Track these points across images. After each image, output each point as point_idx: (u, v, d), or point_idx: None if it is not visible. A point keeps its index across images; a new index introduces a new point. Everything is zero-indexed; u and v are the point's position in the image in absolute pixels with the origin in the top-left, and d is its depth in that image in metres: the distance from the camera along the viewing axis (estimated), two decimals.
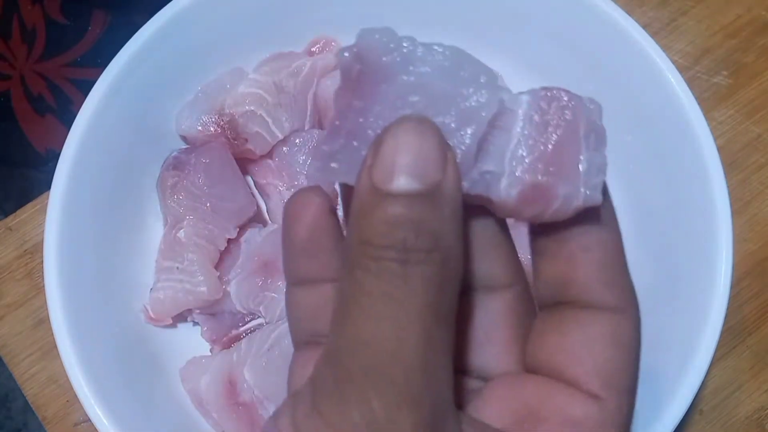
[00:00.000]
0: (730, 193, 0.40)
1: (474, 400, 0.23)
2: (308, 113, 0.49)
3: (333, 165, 0.22)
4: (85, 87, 0.44)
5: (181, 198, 0.45)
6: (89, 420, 0.38)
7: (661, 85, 0.43)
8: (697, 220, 0.41)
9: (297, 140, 0.48)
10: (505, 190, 0.21)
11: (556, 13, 0.46)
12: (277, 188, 0.48)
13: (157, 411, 0.42)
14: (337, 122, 0.22)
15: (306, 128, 0.49)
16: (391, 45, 0.21)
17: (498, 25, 0.48)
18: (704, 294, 0.39)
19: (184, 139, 0.48)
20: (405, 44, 0.21)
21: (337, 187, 0.24)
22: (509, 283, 0.24)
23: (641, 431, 0.37)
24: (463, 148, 0.21)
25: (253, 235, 0.46)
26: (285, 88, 0.48)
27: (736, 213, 0.41)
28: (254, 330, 0.45)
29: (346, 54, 0.22)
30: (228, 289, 0.45)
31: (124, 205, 0.46)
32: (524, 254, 0.24)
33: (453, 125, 0.21)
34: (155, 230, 0.47)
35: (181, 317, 0.45)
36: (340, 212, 0.26)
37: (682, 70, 0.43)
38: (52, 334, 0.39)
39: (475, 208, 0.23)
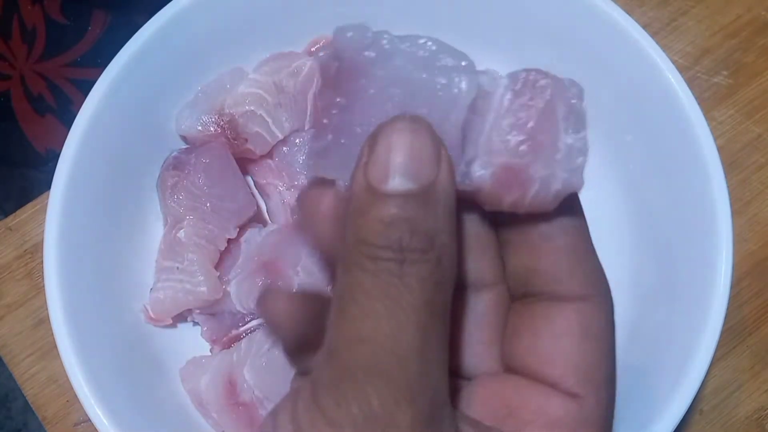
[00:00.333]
0: (730, 193, 0.40)
1: (457, 399, 0.23)
2: (308, 113, 0.49)
3: (323, 162, 0.22)
4: (85, 87, 0.44)
5: (181, 198, 0.45)
6: (89, 420, 0.38)
7: (661, 85, 0.43)
8: (697, 220, 0.41)
9: (297, 140, 0.48)
10: (478, 173, 0.21)
11: (555, 13, 0.46)
12: (277, 188, 0.48)
13: (157, 411, 0.42)
14: (324, 120, 0.22)
15: (306, 128, 0.49)
16: (366, 40, 0.21)
17: (498, 25, 0.48)
18: (704, 294, 0.39)
19: (184, 139, 0.48)
20: (381, 39, 0.21)
21: None
22: (494, 281, 0.24)
23: (641, 431, 0.37)
24: (448, 138, 0.21)
25: (253, 235, 0.46)
26: (285, 88, 0.48)
27: (736, 213, 0.41)
28: (254, 330, 0.45)
29: (322, 54, 0.22)
30: (228, 289, 0.45)
31: (124, 205, 0.46)
32: None
33: (435, 116, 0.21)
34: (155, 230, 0.47)
35: (181, 317, 0.45)
36: None
37: (682, 70, 0.43)
38: (52, 334, 0.39)
39: (463, 204, 0.22)
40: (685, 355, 0.38)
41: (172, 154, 0.46)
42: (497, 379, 0.23)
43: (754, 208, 0.51)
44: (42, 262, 0.41)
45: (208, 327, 0.45)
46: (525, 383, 0.22)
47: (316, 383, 0.20)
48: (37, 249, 0.50)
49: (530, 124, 0.21)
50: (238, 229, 0.46)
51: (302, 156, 0.47)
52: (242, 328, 0.45)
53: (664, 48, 0.43)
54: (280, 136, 0.48)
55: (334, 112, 0.22)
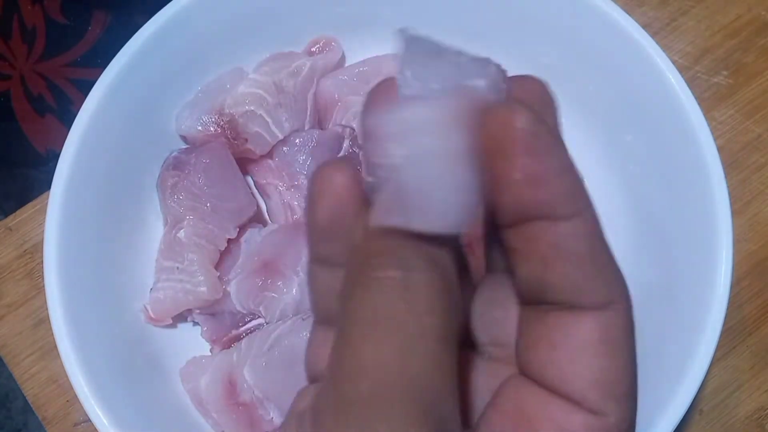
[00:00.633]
0: (730, 193, 0.40)
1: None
2: (308, 113, 0.49)
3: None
4: (85, 87, 0.44)
5: (181, 198, 0.45)
6: (89, 420, 0.38)
7: (661, 85, 0.43)
8: (697, 220, 0.41)
9: (297, 140, 0.48)
10: None
11: (556, 13, 0.46)
12: (277, 188, 0.48)
13: (157, 411, 0.42)
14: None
15: (306, 128, 0.49)
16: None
17: (498, 25, 0.48)
18: (704, 294, 0.39)
19: (184, 139, 0.48)
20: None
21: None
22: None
23: (641, 431, 0.37)
24: None
25: (253, 235, 0.46)
26: (285, 88, 0.48)
27: (736, 213, 0.41)
28: (254, 330, 0.45)
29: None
30: (228, 289, 0.45)
31: (124, 205, 0.46)
32: None
33: None
34: (155, 230, 0.47)
35: (181, 317, 0.45)
36: None
37: (682, 70, 0.43)
38: (52, 334, 0.39)
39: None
40: (685, 355, 0.38)
41: (172, 154, 0.46)
42: (513, 384, 0.22)
43: (754, 208, 0.51)
44: (42, 262, 0.41)
45: (208, 327, 0.45)
46: (543, 394, 0.21)
47: (317, 412, 0.19)
48: (37, 249, 0.50)
49: None
50: (238, 229, 0.46)
51: (302, 156, 0.47)
52: (242, 328, 0.45)
53: (664, 48, 0.43)
54: (280, 136, 0.48)
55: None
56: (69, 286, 0.40)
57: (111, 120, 0.44)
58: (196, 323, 0.46)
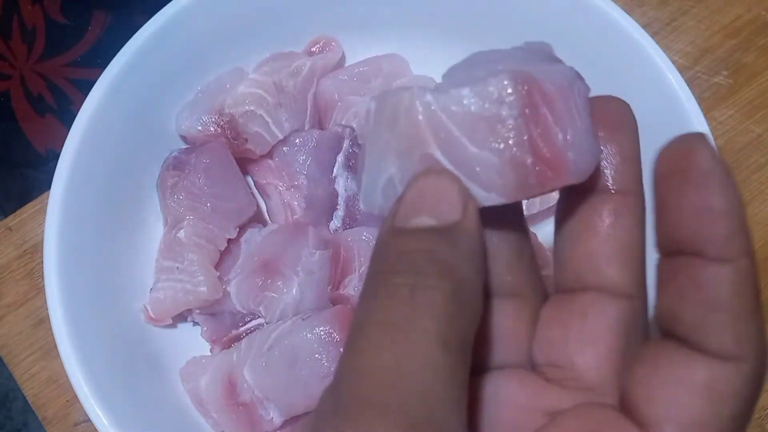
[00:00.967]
0: None
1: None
2: (308, 113, 0.49)
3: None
4: (85, 87, 0.44)
5: (181, 198, 0.45)
6: (89, 420, 0.38)
7: (661, 85, 0.43)
8: None
9: (297, 140, 0.48)
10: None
11: (556, 13, 0.46)
12: (277, 188, 0.48)
13: (157, 411, 0.42)
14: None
15: (306, 128, 0.49)
16: None
17: (498, 25, 0.48)
18: None
19: (184, 139, 0.48)
20: None
21: None
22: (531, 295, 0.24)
23: None
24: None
25: (253, 235, 0.46)
26: (285, 88, 0.48)
27: None
28: (254, 330, 0.45)
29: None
30: (228, 289, 0.45)
31: (124, 205, 0.46)
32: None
33: None
34: (155, 230, 0.47)
35: (181, 317, 0.45)
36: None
37: (682, 70, 0.43)
38: (52, 334, 0.39)
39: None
40: None
41: (172, 154, 0.46)
42: (589, 411, 0.21)
43: (754, 208, 0.51)
44: (42, 262, 0.41)
45: (208, 327, 0.45)
46: (619, 420, 0.20)
47: (318, 416, 0.19)
48: (37, 249, 0.50)
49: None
50: (238, 229, 0.46)
51: (302, 156, 0.47)
52: (242, 328, 0.45)
53: (664, 48, 0.43)
54: (280, 136, 0.48)
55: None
56: (69, 286, 0.40)
57: (111, 120, 0.44)
58: (196, 323, 0.46)
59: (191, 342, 0.45)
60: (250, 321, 0.45)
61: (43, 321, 0.49)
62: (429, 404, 0.18)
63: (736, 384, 0.19)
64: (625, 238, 0.22)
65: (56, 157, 0.42)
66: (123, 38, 0.44)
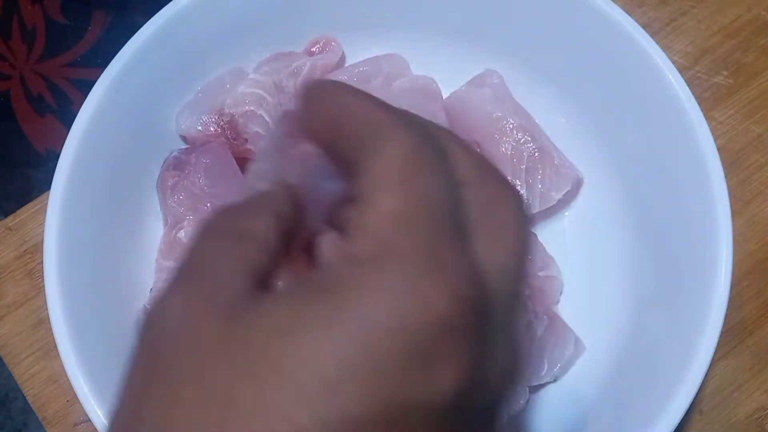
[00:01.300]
0: (730, 193, 0.40)
1: None
2: None
3: None
4: (85, 87, 0.44)
5: (181, 198, 0.45)
6: (89, 420, 0.38)
7: (661, 85, 0.43)
8: (697, 220, 0.41)
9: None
10: None
11: (556, 13, 0.46)
12: None
13: None
14: None
15: None
16: None
17: (498, 25, 0.48)
18: (704, 294, 0.39)
19: (184, 139, 0.48)
20: None
21: None
22: None
23: (641, 431, 0.37)
24: None
25: None
26: (285, 88, 0.48)
27: (736, 213, 0.41)
28: None
29: None
30: None
31: (124, 205, 0.46)
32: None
33: None
34: (155, 230, 0.47)
35: None
36: None
37: (682, 70, 0.43)
38: (52, 334, 0.39)
39: None
40: (685, 355, 0.38)
41: (172, 154, 0.46)
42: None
43: (754, 208, 0.51)
44: (42, 262, 0.40)
45: None
46: None
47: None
48: (37, 249, 0.50)
49: None
50: None
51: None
52: None
53: (664, 48, 0.43)
54: None
55: None
56: (69, 286, 0.40)
57: (111, 120, 0.44)
58: None
59: None
60: None
61: (43, 321, 0.49)
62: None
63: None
64: None
65: (56, 157, 0.42)
66: (123, 38, 0.44)
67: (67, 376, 0.39)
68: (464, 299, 0.19)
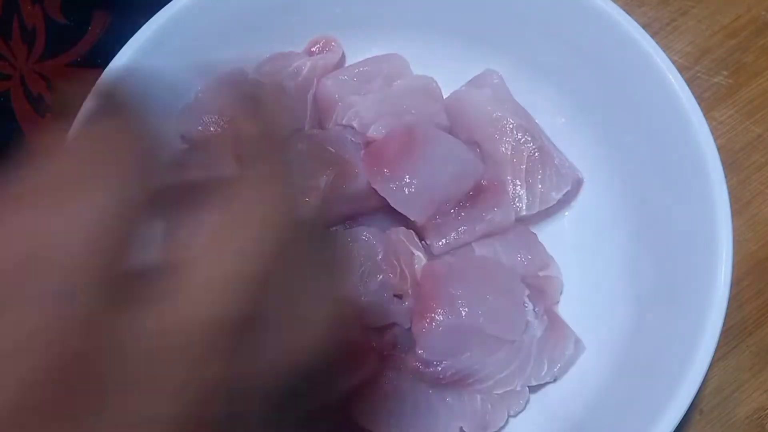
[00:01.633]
0: (730, 193, 0.40)
1: None
2: (308, 113, 0.49)
3: None
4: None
5: None
6: None
7: (661, 85, 0.43)
8: (697, 220, 0.41)
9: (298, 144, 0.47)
10: None
11: (556, 13, 0.46)
12: None
13: None
14: None
15: (306, 128, 0.49)
16: None
17: (498, 25, 0.48)
18: (704, 294, 0.39)
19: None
20: None
21: None
22: None
23: (641, 431, 0.37)
24: None
25: None
26: (285, 88, 0.48)
27: (736, 213, 0.41)
28: None
29: None
30: None
31: None
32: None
33: None
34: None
35: None
36: None
37: (682, 70, 0.43)
38: None
39: None
40: (685, 355, 0.38)
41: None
42: None
43: (754, 208, 0.51)
44: None
45: None
46: None
47: None
48: None
49: None
50: None
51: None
52: None
53: (664, 48, 0.43)
54: None
55: None
56: None
57: None
58: None
59: None
60: None
61: None
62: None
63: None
64: None
65: None
66: (123, 38, 0.44)
67: None
68: None
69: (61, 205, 0.19)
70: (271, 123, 0.24)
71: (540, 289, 0.44)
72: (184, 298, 0.19)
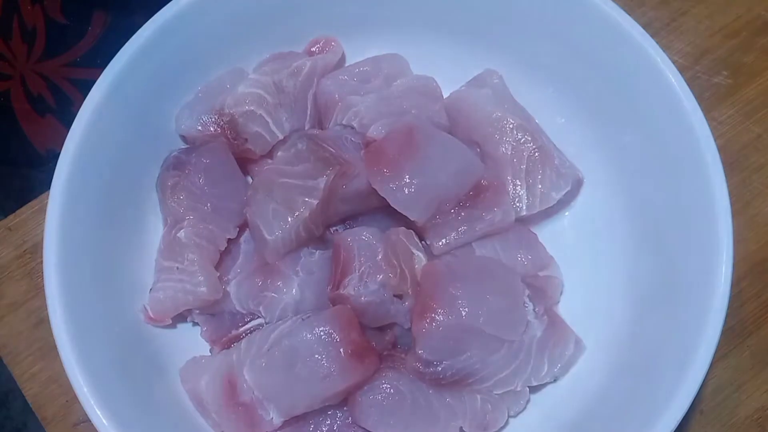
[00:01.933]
0: (730, 193, 0.40)
1: None
2: (308, 113, 0.49)
3: None
4: (85, 87, 0.44)
5: (181, 198, 0.45)
6: (89, 420, 0.38)
7: (661, 85, 0.43)
8: (697, 220, 0.41)
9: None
10: None
11: (555, 13, 0.46)
12: None
13: (157, 411, 0.42)
14: None
15: (306, 128, 0.49)
16: None
17: (498, 25, 0.48)
18: (704, 294, 0.39)
19: (184, 139, 0.48)
20: None
21: None
22: None
23: (641, 431, 0.37)
24: None
25: None
26: (285, 88, 0.48)
27: (736, 213, 0.41)
28: (254, 330, 0.45)
29: None
30: (228, 289, 0.45)
31: (124, 205, 0.46)
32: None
33: None
34: (155, 230, 0.47)
35: (181, 317, 0.45)
36: None
37: (682, 70, 0.43)
38: (52, 334, 0.39)
39: None
40: (685, 355, 0.38)
41: (172, 154, 0.46)
42: None
43: (754, 208, 0.51)
44: (42, 262, 0.41)
45: (208, 327, 0.45)
46: None
47: None
48: (37, 249, 0.50)
49: None
50: (238, 229, 0.46)
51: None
52: (242, 329, 0.45)
53: (664, 48, 0.43)
54: (280, 136, 0.48)
55: None
56: (69, 286, 0.40)
57: (111, 120, 0.44)
58: (196, 323, 0.46)
59: (191, 342, 0.45)
60: (249, 321, 0.45)
61: (43, 321, 0.49)
62: None
63: None
64: None
65: (56, 157, 0.42)
66: (123, 38, 0.44)
67: (67, 376, 0.39)
68: None
69: None
70: None
71: (540, 289, 0.44)
72: None
